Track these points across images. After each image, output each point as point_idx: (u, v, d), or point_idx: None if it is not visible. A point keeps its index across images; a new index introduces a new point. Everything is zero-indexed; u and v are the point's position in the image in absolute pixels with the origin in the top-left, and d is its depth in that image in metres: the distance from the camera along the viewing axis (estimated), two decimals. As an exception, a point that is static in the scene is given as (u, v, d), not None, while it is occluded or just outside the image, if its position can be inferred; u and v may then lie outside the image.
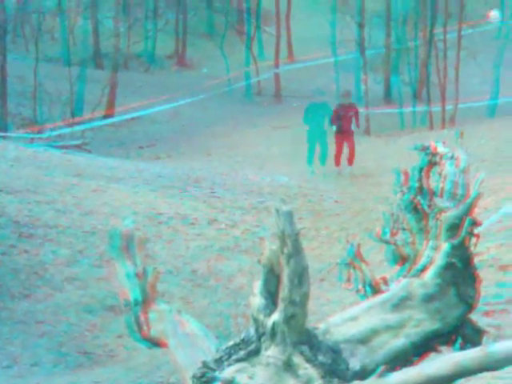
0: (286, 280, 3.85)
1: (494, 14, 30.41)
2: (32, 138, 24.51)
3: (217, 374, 3.86)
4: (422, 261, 4.37)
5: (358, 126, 19.63)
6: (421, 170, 4.55)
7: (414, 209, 4.49)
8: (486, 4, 34.90)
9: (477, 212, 4.42)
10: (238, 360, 3.91)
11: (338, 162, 19.27)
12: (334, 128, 19.05)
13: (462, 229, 4.28)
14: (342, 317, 4.15)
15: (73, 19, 34.65)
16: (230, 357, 3.95)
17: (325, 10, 33.36)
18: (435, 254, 4.32)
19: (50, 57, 32.96)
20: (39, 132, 25.82)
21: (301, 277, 3.84)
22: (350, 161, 19.22)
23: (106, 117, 28.36)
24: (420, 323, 4.14)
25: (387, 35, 31.86)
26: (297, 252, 3.82)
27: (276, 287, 3.97)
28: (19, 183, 13.39)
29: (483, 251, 9.13)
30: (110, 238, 4.60)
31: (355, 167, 19.20)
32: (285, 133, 25.35)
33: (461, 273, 4.28)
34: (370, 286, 4.42)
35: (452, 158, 4.49)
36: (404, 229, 4.55)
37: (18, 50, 32.75)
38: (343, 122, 18.94)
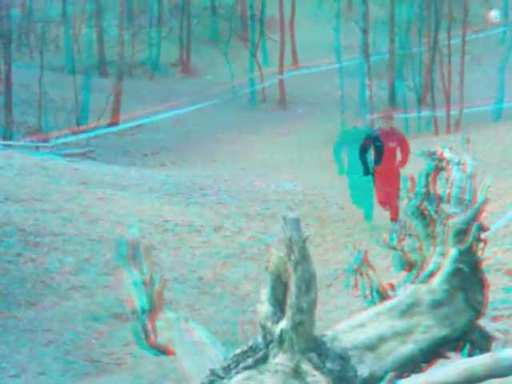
0: (293, 287, 3.84)
1: (494, 14, 30.43)
2: (37, 147, 24.55)
3: (225, 381, 3.86)
4: (429, 267, 4.36)
5: (403, 164, 12.89)
6: (427, 175, 4.54)
7: (421, 214, 4.48)
8: (489, 9, 34.90)
9: (483, 217, 4.41)
10: (246, 368, 3.91)
11: (385, 204, 13.10)
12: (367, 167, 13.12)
13: (469, 234, 4.27)
14: (349, 324, 4.14)
15: (77, 28, 34.73)
16: (237, 364, 3.94)
17: (329, 16, 33.37)
18: (443, 259, 4.31)
19: (54, 65, 33.01)
20: (44, 140, 25.85)
21: (308, 284, 3.83)
22: (393, 216, 12.73)
23: (110, 125, 28.41)
24: (428, 329, 4.13)
25: (391, 41, 31.86)
26: (304, 259, 3.81)
27: (283, 294, 3.97)
28: (25, 192, 13.40)
29: (490, 256, 9.10)
30: (117, 246, 4.61)
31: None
32: (289, 139, 25.35)
33: (469, 278, 4.27)
34: (378, 292, 4.41)
35: (459, 163, 4.49)
36: (411, 235, 4.54)
37: (23, 59, 32.79)
38: (382, 156, 13.00)
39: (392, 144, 13.01)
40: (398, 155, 13.14)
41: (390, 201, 12.84)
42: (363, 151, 13.10)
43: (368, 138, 13.18)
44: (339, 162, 13.80)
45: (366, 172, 13.10)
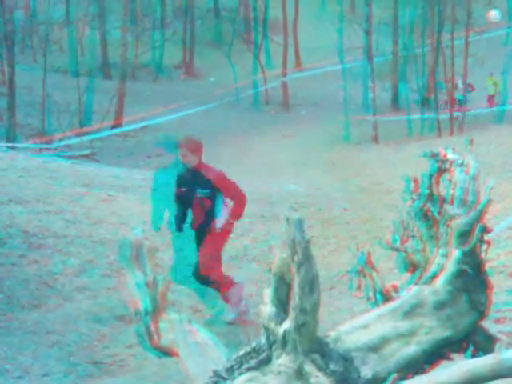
0: (296, 288, 3.83)
1: (494, 14, 30.46)
2: (41, 149, 24.60)
3: (228, 383, 3.85)
4: (432, 268, 4.35)
5: (234, 217, 8.57)
6: (430, 176, 4.54)
7: (424, 216, 4.47)
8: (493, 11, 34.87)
9: (486, 218, 4.40)
10: (250, 369, 3.90)
11: (228, 300, 8.61)
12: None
13: (472, 235, 4.27)
14: (352, 325, 4.13)
15: (80, 30, 34.80)
16: (241, 366, 3.93)
17: (332, 18, 33.38)
18: (446, 261, 4.30)
19: (58, 67, 33.09)
20: (48, 142, 25.90)
21: (311, 285, 3.83)
22: (221, 289, 8.57)
23: (114, 126, 28.44)
24: (431, 331, 4.13)
25: (394, 43, 31.91)
26: (307, 260, 3.81)
27: (286, 295, 3.96)
28: (28, 193, 13.42)
29: (493, 258, 9.09)
30: (120, 248, 4.61)
31: (363, 176, 18.95)
32: (293, 141, 25.35)
33: (472, 280, 4.27)
34: (381, 293, 4.41)
35: (462, 164, 4.48)
36: (414, 236, 4.54)
37: (27, 61, 32.85)
38: (193, 212, 8.36)
39: (201, 192, 8.27)
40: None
41: (206, 271, 8.46)
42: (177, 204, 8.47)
43: (179, 188, 8.43)
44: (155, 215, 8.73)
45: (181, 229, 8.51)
